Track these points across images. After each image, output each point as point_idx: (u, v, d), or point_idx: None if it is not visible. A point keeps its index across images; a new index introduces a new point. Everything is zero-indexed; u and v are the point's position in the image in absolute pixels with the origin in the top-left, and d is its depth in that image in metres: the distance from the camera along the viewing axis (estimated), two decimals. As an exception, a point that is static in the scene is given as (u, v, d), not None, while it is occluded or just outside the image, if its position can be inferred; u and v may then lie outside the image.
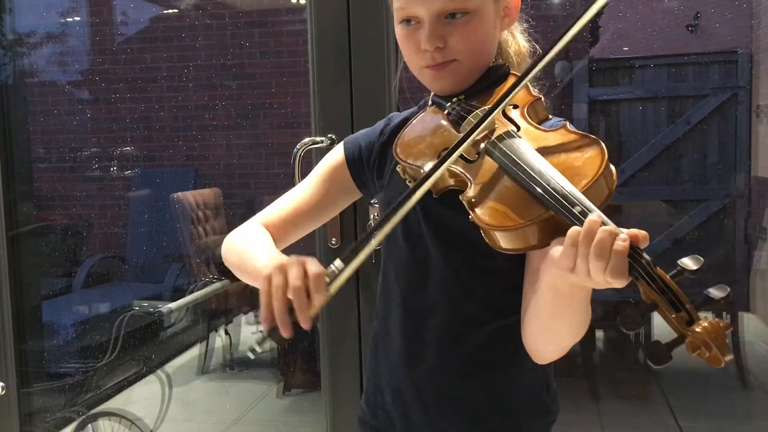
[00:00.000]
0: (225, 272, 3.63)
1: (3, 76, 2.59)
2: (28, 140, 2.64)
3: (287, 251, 1.00)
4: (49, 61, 4.37)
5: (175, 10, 4.56)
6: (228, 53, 4.39)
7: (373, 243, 0.88)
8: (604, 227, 0.73)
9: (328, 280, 0.86)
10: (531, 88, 1.01)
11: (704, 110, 3.31)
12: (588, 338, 3.38)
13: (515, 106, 0.98)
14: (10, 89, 2.45)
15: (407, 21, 1.03)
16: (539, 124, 0.96)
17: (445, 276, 1.05)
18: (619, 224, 0.74)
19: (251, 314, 3.98)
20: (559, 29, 0.85)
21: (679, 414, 3.05)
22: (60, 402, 2.95)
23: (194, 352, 3.91)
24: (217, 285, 3.64)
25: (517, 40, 1.14)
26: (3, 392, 2.23)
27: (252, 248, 1.06)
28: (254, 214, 1.20)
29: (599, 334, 3.52)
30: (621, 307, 0.68)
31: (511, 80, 1.03)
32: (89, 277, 3.97)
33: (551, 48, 0.86)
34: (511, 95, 0.90)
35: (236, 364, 3.87)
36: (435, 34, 0.99)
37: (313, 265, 0.87)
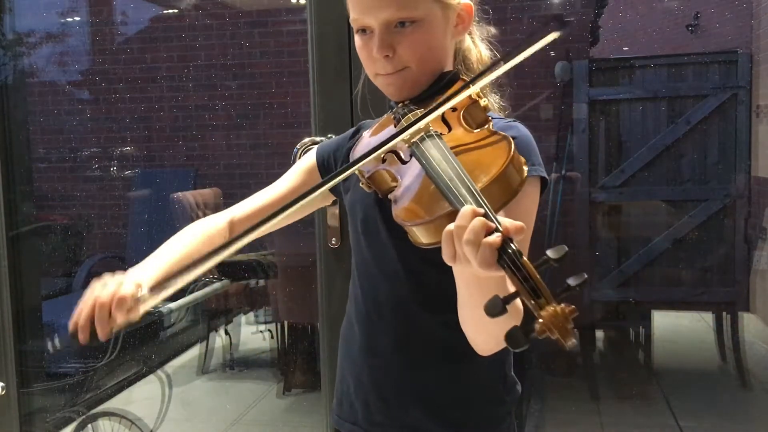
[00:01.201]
0: (225, 272, 3.64)
1: (3, 76, 2.59)
2: (28, 140, 2.63)
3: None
4: (49, 61, 4.37)
5: (175, 10, 4.56)
6: (228, 53, 4.40)
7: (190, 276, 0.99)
8: (477, 218, 0.75)
9: (131, 304, 0.98)
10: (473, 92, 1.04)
11: (704, 110, 3.31)
12: (588, 338, 3.38)
13: (454, 109, 1.00)
14: (10, 89, 2.45)
15: (363, 31, 1.08)
16: (475, 125, 0.98)
17: (399, 270, 1.09)
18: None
19: (251, 314, 3.98)
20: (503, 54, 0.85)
21: (679, 414, 3.06)
22: (60, 402, 2.95)
23: (194, 352, 3.92)
24: (217, 285, 3.64)
25: (479, 49, 1.18)
26: (3, 392, 2.23)
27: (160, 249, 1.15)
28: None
29: (599, 334, 3.51)
30: (510, 330, 0.72)
31: (457, 86, 1.06)
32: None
33: (476, 77, 0.91)
34: (434, 113, 0.94)
35: (236, 364, 3.87)
36: (384, 42, 1.04)
37: (124, 287, 0.98)
